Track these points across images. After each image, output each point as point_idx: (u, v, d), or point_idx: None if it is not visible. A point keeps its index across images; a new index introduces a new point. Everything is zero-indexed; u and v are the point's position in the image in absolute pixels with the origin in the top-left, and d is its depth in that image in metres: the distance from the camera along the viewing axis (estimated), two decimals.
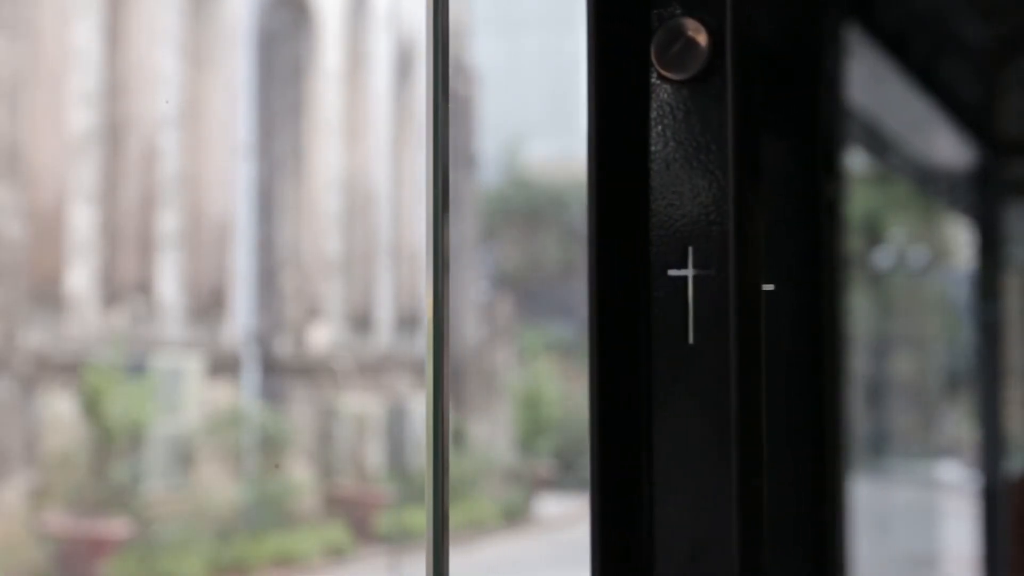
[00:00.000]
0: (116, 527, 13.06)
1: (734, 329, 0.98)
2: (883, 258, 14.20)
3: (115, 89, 14.57)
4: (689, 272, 1.02)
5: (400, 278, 18.93)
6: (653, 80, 1.04)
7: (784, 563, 1.10)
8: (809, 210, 1.09)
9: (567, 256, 24.23)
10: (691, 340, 1.02)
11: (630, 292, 1.02)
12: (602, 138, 1.02)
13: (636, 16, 1.02)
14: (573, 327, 22.08)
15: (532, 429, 20.58)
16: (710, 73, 1.02)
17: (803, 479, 1.10)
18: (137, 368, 14.20)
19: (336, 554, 14.90)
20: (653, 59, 1.03)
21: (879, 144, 10.10)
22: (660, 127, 1.04)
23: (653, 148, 1.04)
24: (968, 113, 9.03)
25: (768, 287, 1.09)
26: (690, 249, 1.02)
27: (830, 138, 1.08)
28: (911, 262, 13.88)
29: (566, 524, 17.89)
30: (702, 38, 1.01)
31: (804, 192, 1.10)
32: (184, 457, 14.47)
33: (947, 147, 9.75)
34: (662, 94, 1.04)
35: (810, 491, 1.09)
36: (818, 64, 1.09)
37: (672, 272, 1.03)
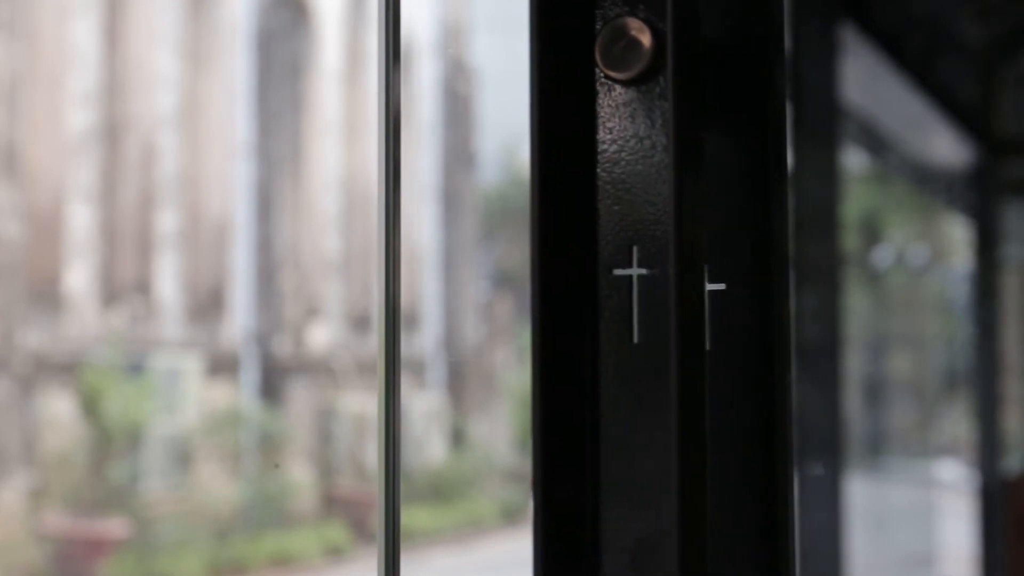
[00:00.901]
0: (114, 527, 13.06)
1: (675, 328, 0.98)
2: (881, 257, 14.20)
3: (114, 89, 14.57)
4: (634, 272, 1.02)
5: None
6: (598, 80, 1.04)
7: (733, 563, 1.09)
8: (761, 209, 1.09)
9: None
10: (636, 339, 1.02)
11: (576, 291, 1.02)
12: (546, 138, 1.01)
13: (580, 15, 1.02)
14: None
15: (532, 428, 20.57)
16: (654, 72, 1.01)
17: (754, 479, 1.10)
18: (136, 368, 14.20)
19: (335, 554, 14.90)
20: (597, 59, 1.03)
21: (877, 143, 10.10)
22: (606, 127, 1.04)
23: (599, 147, 1.04)
24: (965, 113, 9.02)
25: (718, 286, 1.09)
26: (635, 248, 1.02)
27: (782, 136, 1.07)
28: (909, 261, 13.88)
29: None
30: (645, 37, 1.01)
31: (756, 191, 1.10)
32: (183, 457, 14.47)
33: (944, 146, 9.74)
34: (607, 94, 1.04)
35: (761, 491, 1.09)
36: (770, 62, 1.08)
37: (618, 272, 1.03)
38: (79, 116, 14.19)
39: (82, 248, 14.17)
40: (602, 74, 1.03)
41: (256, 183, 16.41)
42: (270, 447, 15.43)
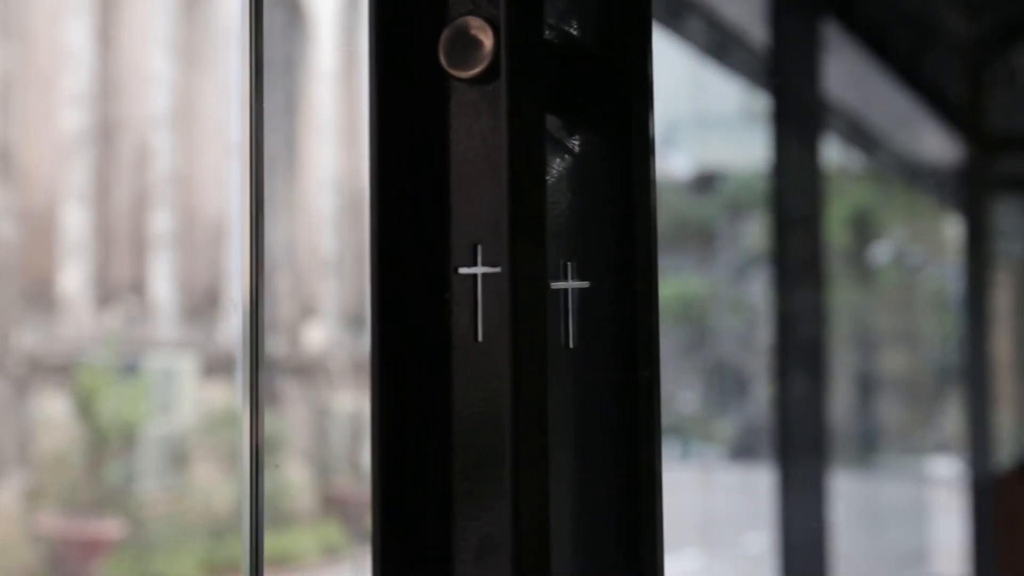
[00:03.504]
0: (110, 527, 13.06)
1: (510, 327, 0.98)
2: (874, 254, 14.19)
3: (107, 89, 14.57)
4: (478, 270, 1.02)
5: None
6: (443, 79, 1.03)
7: (599, 562, 1.09)
8: (626, 207, 1.09)
9: None
10: (480, 338, 1.01)
11: (420, 291, 1.02)
12: (385, 137, 1.01)
13: (424, 12, 1.02)
14: None
15: None
16: (496, 71, 1.01)
17: (621, 477, 1.10)
18: (131, 368, 14.20)
19: (331, 553, 14.90)
20: (441, 57, 1.03)
21: (867, 141, 10.07)
22: (451, 126, 1.03)
23: (446, 146, 1.03)
24: (955, 110, 9.00)
25: (581, 284, 1.09)
26: (479, 247, 1.02)
27: (646, 135, 1.07)
28: (902, 258, 13.87)
29: None
30: (486, 36, 1.01)
31: (621, 189, 1.09)
32: (178, 457, 14.47)
33: (935, 143, 9.73)
34: (451, 93, 1.03)
35: (626, 490, 1.09)
36: (635, 59, 1.08)
37: (462, 270, 1.02)
38: (73, 116, 14.20)
39: (77, 248, 14.17)
40: (446, 73, 1.02)
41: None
42: (266, 447, 15.40)
